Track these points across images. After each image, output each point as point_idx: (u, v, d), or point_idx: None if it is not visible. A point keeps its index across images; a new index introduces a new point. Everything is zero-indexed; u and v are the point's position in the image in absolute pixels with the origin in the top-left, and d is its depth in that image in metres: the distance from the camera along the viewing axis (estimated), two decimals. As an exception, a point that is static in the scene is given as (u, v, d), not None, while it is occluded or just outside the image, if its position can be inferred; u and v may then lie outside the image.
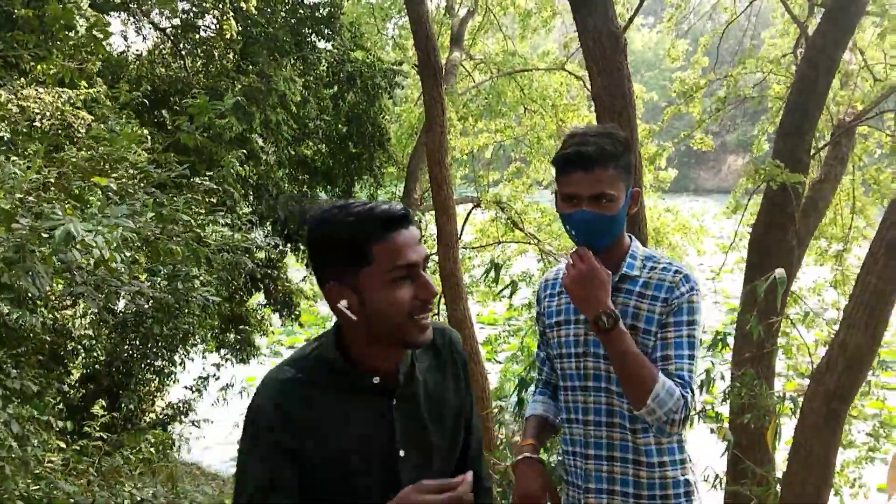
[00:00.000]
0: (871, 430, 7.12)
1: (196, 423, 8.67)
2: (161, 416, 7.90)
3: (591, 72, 5.18)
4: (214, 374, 8.76)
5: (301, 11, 10.84)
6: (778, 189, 6.69)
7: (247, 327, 11.04)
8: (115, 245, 2.68)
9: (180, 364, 8.44)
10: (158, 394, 8.39)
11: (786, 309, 7.26)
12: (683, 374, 2.22)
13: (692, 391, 2.22)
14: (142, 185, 3.92)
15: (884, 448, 7.80)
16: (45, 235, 2.64)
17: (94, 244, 2.56)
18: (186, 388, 8.50)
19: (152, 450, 5.64)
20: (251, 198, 9.91)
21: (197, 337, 7.73)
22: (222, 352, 10.79)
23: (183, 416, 8.08)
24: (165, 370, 8.12)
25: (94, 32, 4.31)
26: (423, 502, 1.59)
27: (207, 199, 5.19)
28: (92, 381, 7.25)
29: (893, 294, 4.66)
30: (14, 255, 2.55)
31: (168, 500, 5.27)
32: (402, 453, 1.79)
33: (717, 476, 5.67)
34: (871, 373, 5.91)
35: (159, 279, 4.68)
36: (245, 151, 8.86)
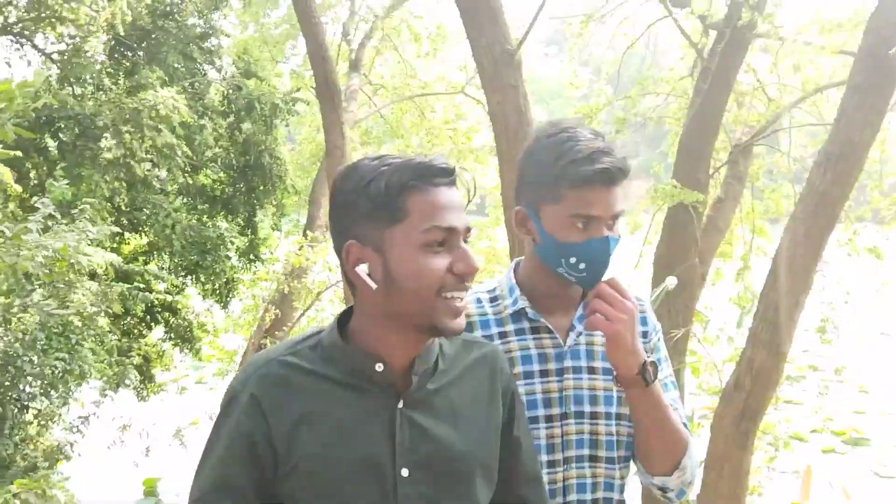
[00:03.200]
0: (772, 441, 7.30)
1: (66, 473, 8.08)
2: (34, 460, 7.26)
3: (487, 90, 5.09)
4: (94, 413, 8.18)
5: (186, 34, 10.53)
6: (679, 209, 6.72)
7: (144, 361, 10.53)
8: None
9: (64, 405, 7.83)
10: (40, 438, 7.75)
11: (691, 327, 7.28)
12: (685, 421, 1.79)
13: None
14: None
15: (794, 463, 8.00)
16: None
17: None
18: (65, 429, 7.90)
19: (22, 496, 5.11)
20: (144, 227, 9.47)
21: (80, 373, 7.21)
22: (119, 390, 10.25)
23: (64, 459, 7.50)
24: (45, 411, 7.53)
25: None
26: None
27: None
28: (-41, 427, 6.69)
29: (794, 311, 4.66)
30: None
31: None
32: (404, 472, 1.41)
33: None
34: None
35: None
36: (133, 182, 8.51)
